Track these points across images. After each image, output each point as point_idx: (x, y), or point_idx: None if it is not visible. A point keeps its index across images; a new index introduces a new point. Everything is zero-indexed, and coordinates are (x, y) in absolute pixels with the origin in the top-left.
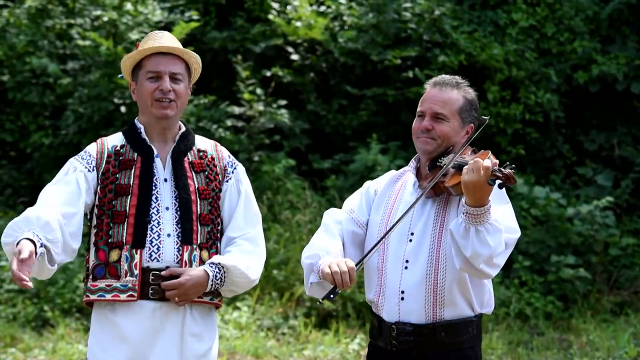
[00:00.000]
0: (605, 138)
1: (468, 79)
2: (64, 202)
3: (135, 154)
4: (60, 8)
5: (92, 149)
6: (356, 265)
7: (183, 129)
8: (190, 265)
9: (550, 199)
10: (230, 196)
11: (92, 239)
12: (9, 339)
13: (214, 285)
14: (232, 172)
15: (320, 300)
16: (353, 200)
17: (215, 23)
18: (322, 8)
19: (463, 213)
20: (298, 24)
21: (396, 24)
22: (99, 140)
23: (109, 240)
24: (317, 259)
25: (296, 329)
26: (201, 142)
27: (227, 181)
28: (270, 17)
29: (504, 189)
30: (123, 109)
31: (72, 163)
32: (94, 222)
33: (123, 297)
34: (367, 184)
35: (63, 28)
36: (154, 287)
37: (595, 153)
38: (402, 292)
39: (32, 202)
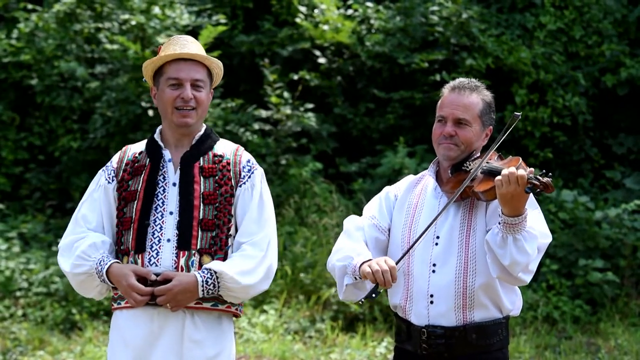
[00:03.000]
0: (634, 141)
1: (495, 82)
2: (96, 225)
3: (148, 160)
4: (88, 12)
5: (115, 157)
6: (396, 264)
7: (202, 132)
8: (189, 271)
9: (578, 203)
10: (243, 201)
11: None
12: (38, 341)
13: (206, 291)
14: (248, 177)
15: (362, 300)
16: (373, 206)
17: (243, 27)
18: (350, 11)
19: (499, 223)
20: (325, 27)
21: (423, 28)
22: (124, 148)
23: (121, 247)
24: (350, 259)
25: (323, 332)
26: (221, 147)
27: (240, 186)
28: (298, 20)
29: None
30: (151, 112)
31: (99, 175)
32: (116, 230)
33: (131, 302)
34: (386, 189)
35: (91, 32)
36: None
37: (623, 156)
38: (431, 295)
39: (60, 205)
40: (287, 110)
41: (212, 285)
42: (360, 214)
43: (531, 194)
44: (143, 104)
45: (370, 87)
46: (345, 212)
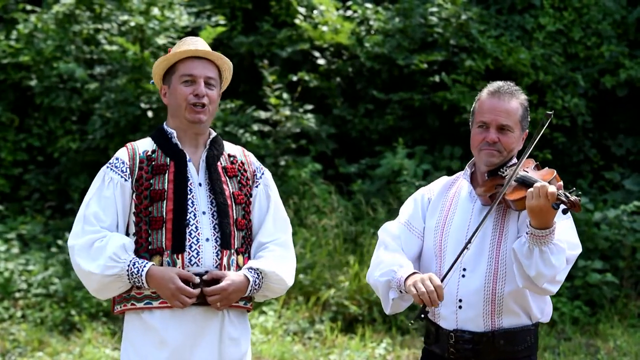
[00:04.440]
0: (633, 142)
1: None
2: (110, 223)
3: (168, 159)
4: (87, 13)
5: (123, 154)
6: (442, 280)
7: (213, 134)
8: (228, 270)
9: None
10: (260, 201)
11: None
12: (37, 342)
13: (252, 291)
14: (261, 178)
15: (412, 322)
16: (408, 209)
17: (242, 28)
18: (349, 13)
19: (527, 233)
20: (324, 28)
21: (422, 29)
22: (128, 145)
23: (149, 247)
24: (394, 273)
25: (322, 334)
26: (230, 148)
27: (256, 186)
28: (297, 21)
29: None
30: (150, 113)
31: (108, 174)
32: (133, 229)
33: (176, 304)
34: (421, 191)
35: (90, 33)
36: None
37: (622, 157)
38: (460, 300)
39: (59, 206)
40: (287, 112)
41: (258, 285)
42: (358, 215)
43: (566, 214)
44: (142, 105)
45: (369, 88)
46: (345, 213)
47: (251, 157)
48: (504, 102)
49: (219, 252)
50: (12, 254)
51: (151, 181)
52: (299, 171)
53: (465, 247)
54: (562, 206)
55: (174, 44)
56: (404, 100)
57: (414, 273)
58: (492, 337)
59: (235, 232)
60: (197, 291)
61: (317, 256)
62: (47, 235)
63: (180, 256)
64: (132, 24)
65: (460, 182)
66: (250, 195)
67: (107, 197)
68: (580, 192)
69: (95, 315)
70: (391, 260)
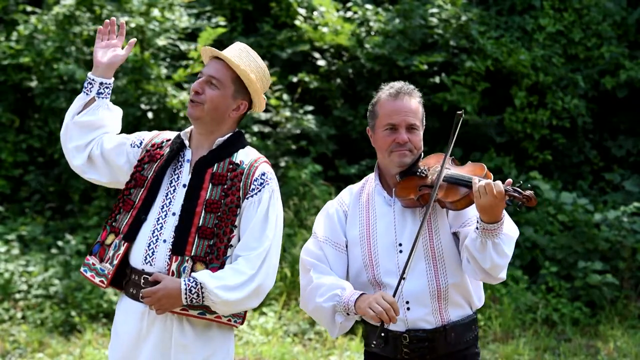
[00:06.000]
0: (633, 143)
1: (495, 84)
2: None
3: (167, 151)
4: (87, 14)
5: (150, 134)
6: (393, 296)
7: (225, 138)
8: (179, 276)
9: (577, 205)
10: (248, 214)
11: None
12: (37, 344)
13: (189, 300)
14: (258, 191)
15: (374, 343)
16: (324, 226)
17: (242, 29)
18: (349, 14)
19: (477, 229)
20: (325, 29)
21: (423, 30)
22: (161, 132)
23: (113, 224)
24: (338, 297)
25: (322, 335)
26: (242, 155)
27: (247, 198)
28: (297, 23)
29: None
30: (150, 115)
31: (141, 133)
32: (114, 203)
33: (97, 280)
34: (332, 205)
35: (90, 34)
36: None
37: (622, 159)
38: (407, 302)
39: (60, 207)
40: (287, 113)
41: (196, 294)
42: None
43: (521, 209)
44: (142, 106)
45: (369, 89)
46: None
47: (258, 170)
48: (407, 102)
49: (170, 256)
50: (13, 255)
51: (145, 166)
52: (299, 172)
53: (410, 256)
54: (518, 202)
55: (174, 45)
56: None
57: (362, 294)
58: (444, 331)
59: (196, 240)
60: None
61: None
62: (48, 237)
63: (125, 244)
64: (133, 25)
65: (368, 186)
66: (237, 206)
67: (124, 137)
68: (529, 185)
69: (96, 317)
70: (329, 283)
